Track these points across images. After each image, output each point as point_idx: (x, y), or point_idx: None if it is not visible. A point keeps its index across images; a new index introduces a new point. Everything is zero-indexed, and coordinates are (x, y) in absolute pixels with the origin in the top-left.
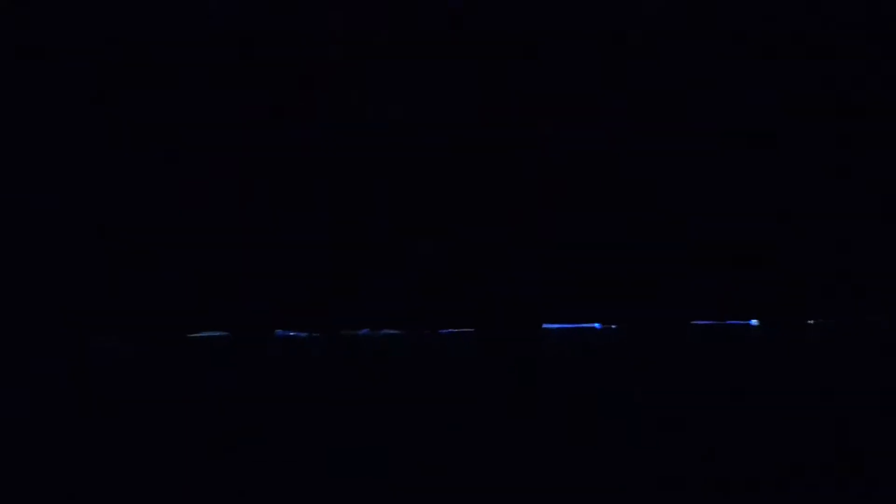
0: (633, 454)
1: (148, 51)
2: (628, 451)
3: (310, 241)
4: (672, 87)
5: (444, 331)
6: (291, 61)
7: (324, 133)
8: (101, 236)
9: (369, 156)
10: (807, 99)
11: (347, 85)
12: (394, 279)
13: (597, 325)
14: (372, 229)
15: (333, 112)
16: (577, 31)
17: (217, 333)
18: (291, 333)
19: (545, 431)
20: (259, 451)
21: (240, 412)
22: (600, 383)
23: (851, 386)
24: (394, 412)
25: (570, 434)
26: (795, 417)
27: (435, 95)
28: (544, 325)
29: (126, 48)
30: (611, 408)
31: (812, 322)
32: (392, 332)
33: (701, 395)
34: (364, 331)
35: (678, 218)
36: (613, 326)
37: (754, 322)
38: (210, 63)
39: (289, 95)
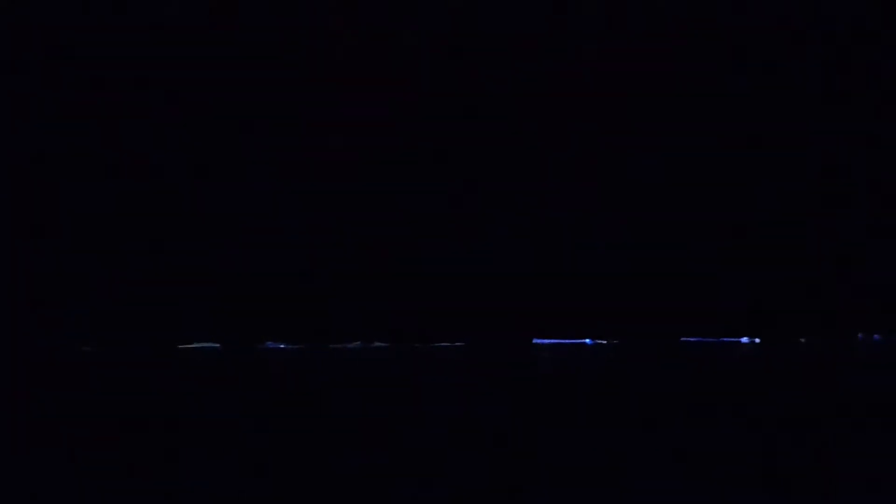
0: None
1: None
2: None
3: (303, 252)
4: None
5: (436, 344)
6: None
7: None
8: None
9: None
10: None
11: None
12: (387, 294)
13: (587, 340)
14: (368, 241)
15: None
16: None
17: (208, 345)
18: (282, 346)
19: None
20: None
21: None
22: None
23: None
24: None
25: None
26: (785, 431)
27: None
28: (535, 340)
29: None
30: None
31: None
32: (383, 345)
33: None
34: (356, 343)
35: (670, 232)
36: (604, 342)
37: (745, 339)
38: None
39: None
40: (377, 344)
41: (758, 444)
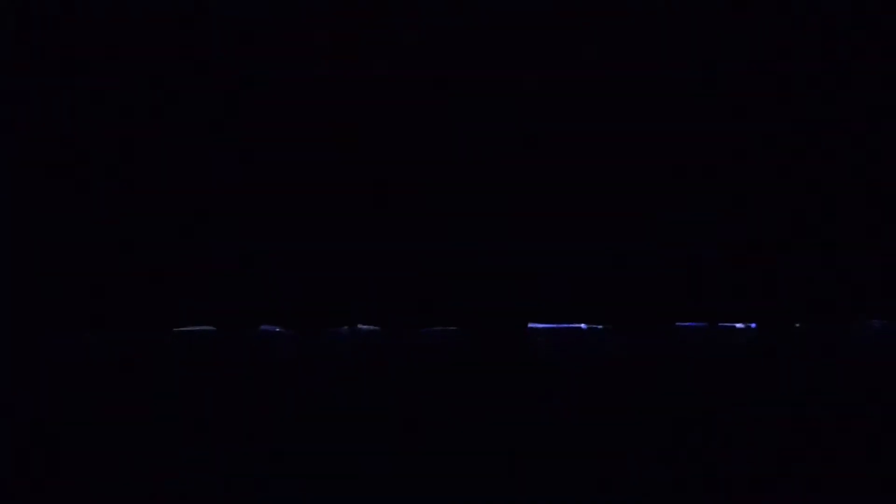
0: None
1: None
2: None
3: (298, 237)
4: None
5: (427, 329)
6: None
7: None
8: (87, 228)
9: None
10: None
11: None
12: (381, 277)
13: (582, 325)
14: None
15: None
16: None
17: (202, 328)
18: (277, 329)
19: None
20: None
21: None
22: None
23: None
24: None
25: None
26: (782, 420)
27: None
28: (530, 325)
29: None
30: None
31: (798, 325)
32: (373, 328)
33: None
34: (345, 328)
35: (670, 220)
36: (599, 327)
37: (740, 325)
38: None
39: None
40: (368, 327)
41: (755, 431)
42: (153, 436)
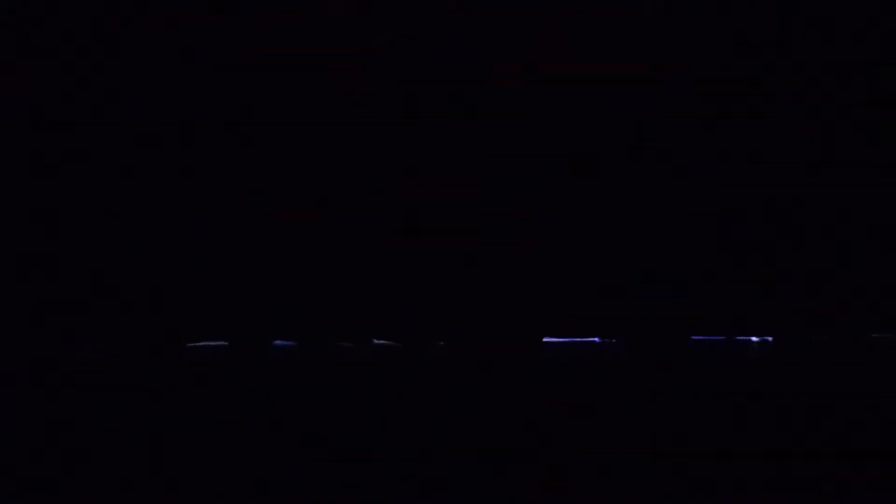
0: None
1: None
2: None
3: (311, 251)
4: None
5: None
6: None
7: None
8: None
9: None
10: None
11: None
12: (392, 291)
13: (596, 339)
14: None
15: None
16: None
17: (216, 343)
18: (291, 343)
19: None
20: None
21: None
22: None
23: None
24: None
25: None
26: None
27: None
28: (545, 339)
29: None
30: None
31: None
32: (388, 343)
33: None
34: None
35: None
36: (613, 340)
37: (755, 338)
38: None
39: None
40: (380, 342)
41: (767, 444)
42: None
